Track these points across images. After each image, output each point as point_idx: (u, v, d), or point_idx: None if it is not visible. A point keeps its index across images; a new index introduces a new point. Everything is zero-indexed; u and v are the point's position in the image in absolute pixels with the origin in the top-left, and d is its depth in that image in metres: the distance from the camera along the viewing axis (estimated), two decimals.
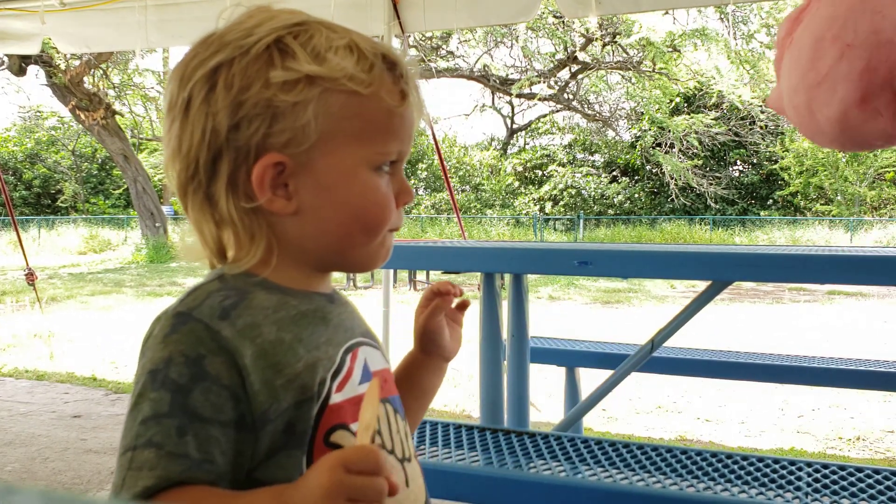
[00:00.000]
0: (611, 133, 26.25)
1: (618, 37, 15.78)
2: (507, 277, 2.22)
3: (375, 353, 0.81)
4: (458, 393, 4.35)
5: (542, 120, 28.32)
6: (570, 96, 21.27)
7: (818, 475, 1.57)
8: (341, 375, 0.73)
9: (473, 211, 25.39)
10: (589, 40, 15.95)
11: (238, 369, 0.67)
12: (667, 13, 13.97)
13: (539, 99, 19.65)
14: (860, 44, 0.74)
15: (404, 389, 0.90)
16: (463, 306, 0.99)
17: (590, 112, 23.24)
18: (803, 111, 0.86)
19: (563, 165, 26.35)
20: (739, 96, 16.33)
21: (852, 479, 1.55)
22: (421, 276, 11.51)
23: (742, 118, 22.06)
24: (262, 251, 0.74)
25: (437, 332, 0.94)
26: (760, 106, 18.36)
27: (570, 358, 2.89)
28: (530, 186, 26.63)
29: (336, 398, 0.72)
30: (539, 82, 18.42)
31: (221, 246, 0.77)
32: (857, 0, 0.75)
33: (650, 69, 17.34)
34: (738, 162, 25.86)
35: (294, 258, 0.76)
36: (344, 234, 0.76)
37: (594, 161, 27.54)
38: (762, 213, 24.49)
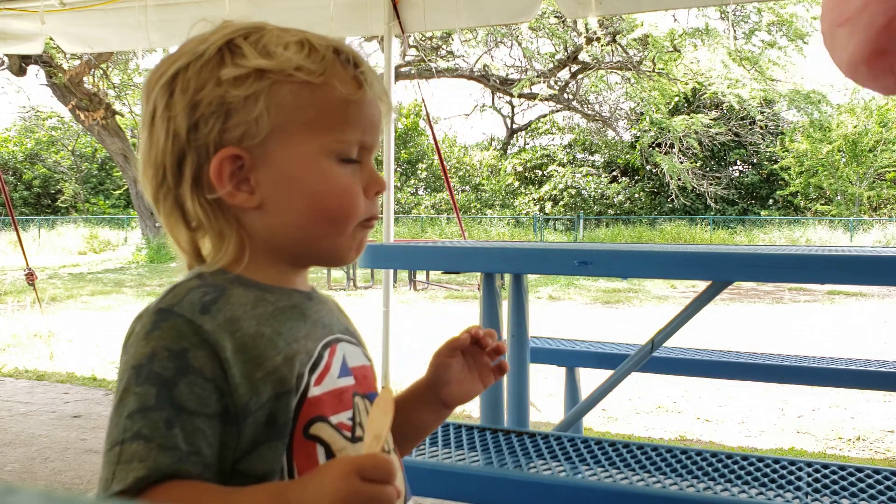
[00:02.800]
0: (611, 133, 26.25)
1: (618, 36, 15.77)
2: (507, 277, 2.22)
3: (355, 350, 0.82)
4: None
5: (542, 120, 28.33)
6: (570, 96, 21.27)
7: (818, 475, 1.57)
8: (319, 369, 0.74)
9: (473, 211, 25.39)
10: (590, 40, 15.95)
11: (220, 362, 0.68)
12: (668, 12, 13.97)
13: (540, 99, 19.65)
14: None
15: (398, 419, 0.89)
16: (501, 370, 0.92)
17: (590, 112, 23.23)
18: (826, 42, 0.85)
19: (563, 165, 26.35)
20: (738, 96, 16.33)
21: (852, 479, 1.55)
22: (421, 276, 11.51)
23: (742, 118, 22.07)
24: (233, 248, 0.76)
25: (443, 368, 0.90)
26: (760, 106, 18.37)
27: (570, 358, 2.89)
28: (530, 186, 26.63)
29: (314, 391, 0.73)
30: (539, 82, 18.42)
31: (197, 248, 0.79)
32: None
33: (650, 69, 17.34)
34: (739, 162, 25.87)
35: (266, 254, 0.77)
36: (308, 224, 0.76)
37: (594, 161, 27.55)
38: (762, 213, 24.50)
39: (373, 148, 0.80)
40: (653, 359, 2.07)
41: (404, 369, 4.43)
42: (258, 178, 0.75)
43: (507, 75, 19.05)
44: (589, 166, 27.11)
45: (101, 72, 15.18)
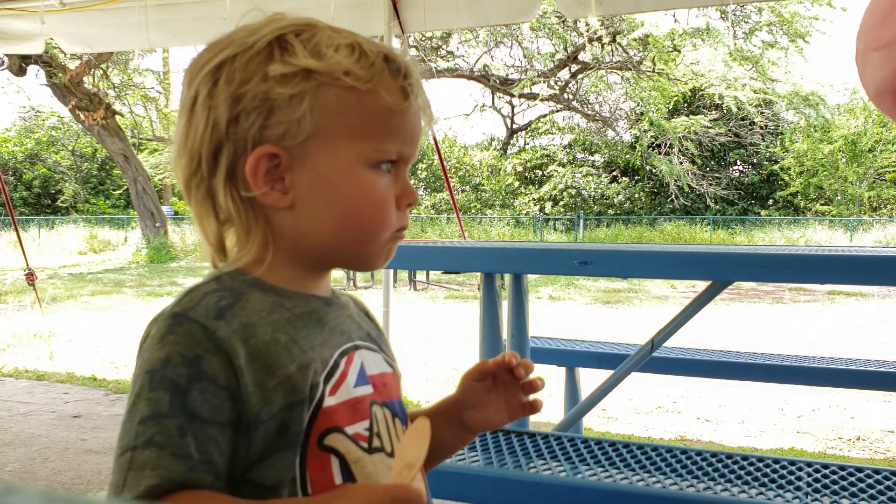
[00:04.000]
0: (611, 133, 26.25)
1: (618, 36, 15.77)
2: (507, 277, 2.22)
3: (375, 357, 0.81)
4: None
5: (542, 120, 28.33)
6: (570, 96, 21.27)
7: (818, 475, 1.57)
8: (335, 378, 0.73)
9: (473, 211, 25.39)
10: (591, 40, 15.95)
11: (234, 369, 0.67)
12: (668, 12, 13.97)
13: (540, 99, 19.65)
14: None
15: None
16: (533, 408, 0.86)
17: (590, 112, 23.23)
18: (858, 63, 0.83)
19: (563, 165, 26.35)
20: (736, 98, 16.33)
21: (852, 479, 1.55)
22: (421, 276, 11.51)
23: (742, 118, 22.07)
24: (257, 246, 0.75)
25: (469, 391, 0.87)
26: (759, 107, 18.36)
27: (570, 358, 2.89)
28: (530, 186, 26.63)
29: (329, 401, 0.71)
30: (539, 82, 18.42)
31: (222, 242, 0.77)
32: None
33: (650, 69, 17.34)
34: (739, 162, 25.87)
35: (289, 256, 0.76)
36: (339, 230, 0.75)
37: (594, 161, 27.55)
38: (762, 213, 24.50)
39: (409, 159, 0.79)
40: (653, 359, 2.07)
41: (404, 369, 4.43)
42: (293, 179, 0.74)
43: (507, 75, 19.05)
44: (589, 166, 27.11)
45: (101, 72, 15.18)
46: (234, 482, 0.67)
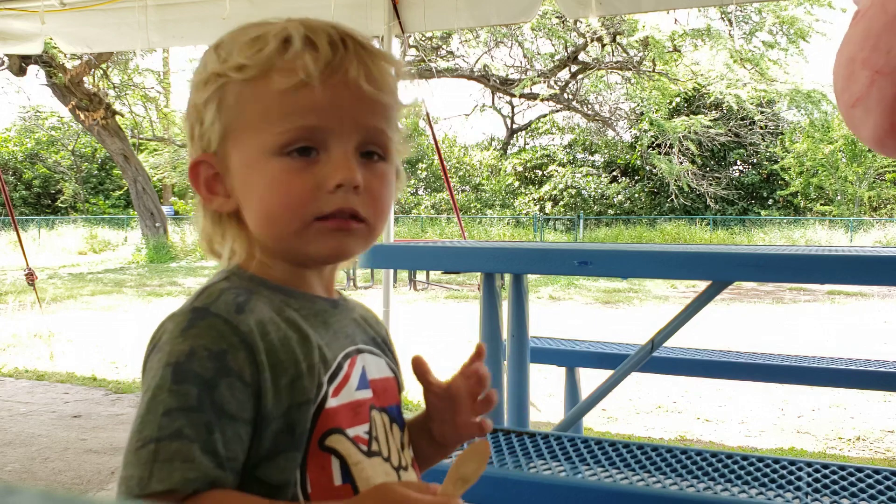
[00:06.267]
0: (611, 133, 26.26)
1: (619, 36, 15.78)
2: (507, 277, 2.22)
3: (377, 362, 0.80)
4: None
5: (541, 120, 28.33)
6: (570, 96, 21.27)
7: (818, 475, 1.57)
8: (338, 380, 0.73)
9: (473, 211, 25.39)
10: (592, 40, 15.95)
11: (257, 365, 0.67)
12: (669, 12, 13.96)
13: (540, 99, 19.65)
14: (890, 71, 0.71)
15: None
16: (482, 429, 0.83)
17: (590, 112, 23.23)
18: (847, 123, 0.84)
19: (563, 165, 26.35)
20: (737, 96, 16.33)
21: (852, 479, 1.55)
22: (421, 276, 11.51)
23: (742, 118, 22.07)
24: (242, 245, 0.76)
25: (428, 403, 0.84)
26: (760, 106, 18.36)
27: (570, 358, 2.89)
28: (530, 186, 26.63)
29: (332, 402, 0.71)
30: (539, 82, 18.42)
31: (211, 243, 0.79)
32: (891, 20, 0.71)
33: (650, 69, 17.34)
34: (739, 162, 25.87)
35: (268, 253, 0.76)
36: (264, 224, 0.74)
37: (594, 161, 27.55)
38: (762, 213, 24.50)
39: (339, 134, 0.72)
40: (653, 359, 2.07)
41: (404, 369, 4.43)
42: (230, 183, 0.75)
43: (507, 75, 19.05)
44: (589, 166, 27.12)
45: (101, 72, 15.18)
46: (244, 479, 0.67)
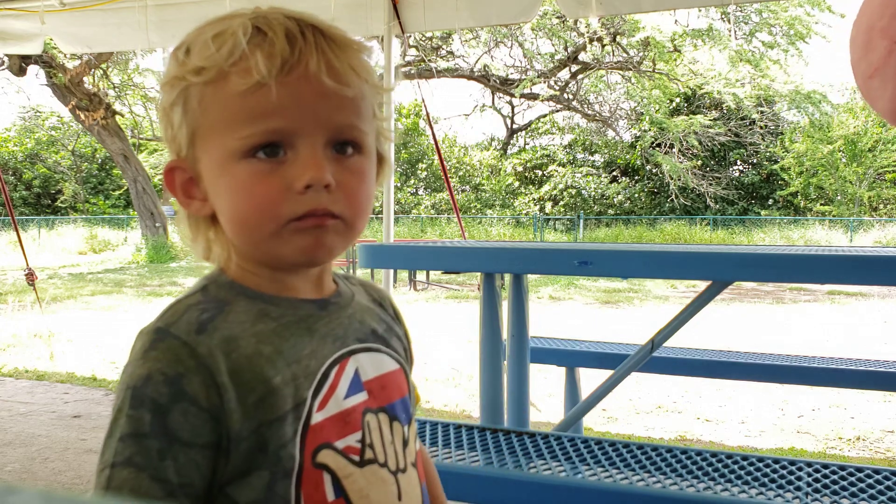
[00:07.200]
0: (611, 133, 26.26)
1: (619, 36, 15.77)
2: (507, 277, 2.22)
3: (375, 358, 0.77)
4: (458, 393, 4.35)
5: (541, 120, 28.34)
6: (571, 96, 21.27)
7: (818, 475, 1.57)
8: (323, 391, 0.70)
9: (473, 211, 25.40)
10: (592, 40, 15.95)
11: (217, 387, 0.65)
12: (669, 12, 13.97)
13: (540, 99, 19.66)
14: None
15: None
16: None
17: (590, 112, 23.24)
18: (863, 94, 0.84)
19: (563, 165, 26.36)
20: (735, 96, 16.33)
21: (852, 479, 1.55)
22: (421, 276, 11.51)
23: (742, 118, 22.07)
24: (222, 249, 0.74)
25: None
26: (759, 106, 18.36)
27: (570, 358, 2.89)
28: (530, 186, 26.64)
29: (317, 417, 0.69)
30: (539, 82, 18.41)
31: (196, 245, 0.79)
32: None
33: (650, 69, 17.34)
34: (739, 162, 25.88)
35: (246, 257, 0.74)
36: (237, 230, 0.71)
37: (594, 161, 27.56)
38: (762, 213, 24.51)
39: (305, 132, 0.68)
40: (653, 359, 2.07)
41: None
42: (204, 187, 0.73)
43: (508, 75, 19.04)
44: (589, 166, 27.12)
45: (101, 72, 15.18)
46: (214, 496, 0.66)
